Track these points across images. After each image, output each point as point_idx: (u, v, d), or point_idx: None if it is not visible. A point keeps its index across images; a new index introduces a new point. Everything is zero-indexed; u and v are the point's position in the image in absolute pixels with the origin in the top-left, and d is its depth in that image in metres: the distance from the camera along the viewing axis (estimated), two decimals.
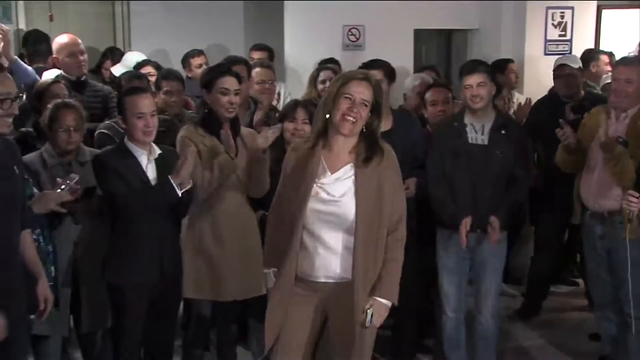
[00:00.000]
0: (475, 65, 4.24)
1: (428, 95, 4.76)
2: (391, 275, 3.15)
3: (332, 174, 3.07)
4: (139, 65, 5.83)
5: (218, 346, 4.36)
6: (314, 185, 3.05)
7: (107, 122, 4.58)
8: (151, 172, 3.71)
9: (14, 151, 3.08)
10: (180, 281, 3.87)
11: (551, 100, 5.46)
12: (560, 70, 5.37)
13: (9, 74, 2.96)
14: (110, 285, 3.75)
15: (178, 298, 3.97)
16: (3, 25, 5.25)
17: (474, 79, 4.11)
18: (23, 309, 3.11)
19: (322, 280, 3.10)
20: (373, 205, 3.06)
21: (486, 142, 4.15)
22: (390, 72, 4.36)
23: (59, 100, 4.04)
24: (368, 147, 3.09)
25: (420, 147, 4.36)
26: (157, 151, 3.78)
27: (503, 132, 4.16)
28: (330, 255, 3.08)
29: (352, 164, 3.09)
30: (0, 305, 2.90)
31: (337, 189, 3.06)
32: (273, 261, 3.16)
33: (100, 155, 3.77)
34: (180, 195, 3.58)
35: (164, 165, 3.70)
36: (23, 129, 4.47)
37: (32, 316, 3.62)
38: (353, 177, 3.07)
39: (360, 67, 4.37)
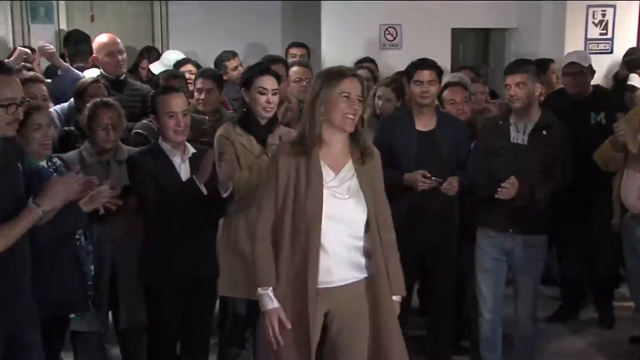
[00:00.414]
0: (516, 65, 4.17)
1: (445, 94, 4.72)
2: (398, 271, 3.18)
3: (336, 174, 3.05)
4: (179, 63, 5.85)
5: (254, 344, 4.37)
6: (324, 189, 3.00)
7: (143, 121, 4.61)
8: (184, 172, 3.72)
9: (18, 150, 3.08)
10: (216, 280, 3.87)
11: (558, 97, 5.23)
12: (569, 68, 5.12)
13: (17, 79, 2.94)
14: (145, 284, 3.77)
15: (213, 297, 3.98)
16: (48, 45, 5.34)
17: (512, 79, 4.07)
18: (31, 309, 3.09)
19: (335, 285, 3.05)
20: (373, 201, 3.06)
21: (526, 142, 4.10)
22: (440, 73, 4.34)
23: (98, 99, 4.07)
24: (360, 145, 3.09)
25: (465, 148, 4.31)
26: (191, 150, 3.79)
27: (544, 132, 4.09)
28: (342, 257, 3.04)
29: (351, 162, 3.07)
30: (7, 303, 2.90)
31: (344, 188, 3.03)
32: (269, 280, 3.03)
33: (133, 156, 3.79)
34: (205, 193, 3.57)
35: (198, 164, 3.70)
36: (66, 128, 4.54)
37: (71, 315, 3.68)
38: (356, 175, 3.06)
39: (409, 67, 4.34)
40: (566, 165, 4.15)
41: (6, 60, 4.70)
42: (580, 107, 4.95)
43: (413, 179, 4.15)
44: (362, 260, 3.07)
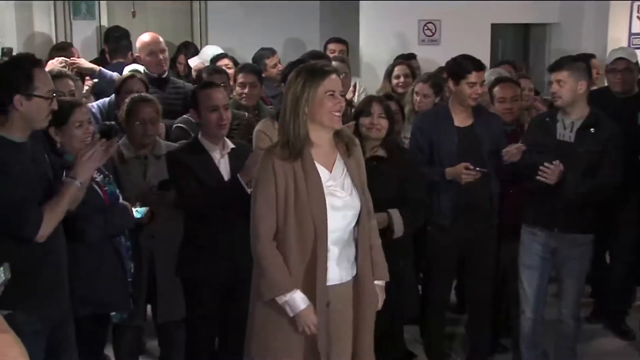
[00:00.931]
0: (559, 62, 4.07)
1: (496, 91, 4.66)
2: (381, 256, 3.15)
3: (330, 173, 2.98)
4: (216, 58, 5.87)
5: None
6: (325, 188, 2.94)
7: (184, 116, 4.62)
8: (224, 168, 3.71)
9: (45, 142, 3.18)
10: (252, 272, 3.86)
11: (600, 95, 4.93)
12: (616, 64, 4.95)
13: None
14: (184, 279, 3.78)
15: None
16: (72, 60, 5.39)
17: (554, 76, 4.00)
18: (69, 304, 3.15)
19: (337, 282, 2.99)
20: (362, 192, 3.02)
21: (572, 140, 4.02)
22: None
23: (136, 94, 4.10)
24: (344, 138, 3.04)
25: (503, 143, 4.25)
26: (230, 146, 3.77)
27: (592, 130, 4.01)
28: (339, 255, 2.98)
29: (339, 156, 3.03)
30: (53, 293, 2.98)
31: (341, 186, 2.99)
32: (290, 283, 2.91)
33: (173, 152, 3.80)
34: (249, 192, 3.55)
35: (237, 159, 3.69)
36: (107, 122, 4.58)
37: (112, 313, 3.71)
38: (346, 170, 3.01)
39: (458, 66, 4.25)
40: (613, 165, 4.03)
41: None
42: (626, 106, 4.79)
43: (457, 172, 4.10)
44: (353, 255, 3.02)
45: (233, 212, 3.60)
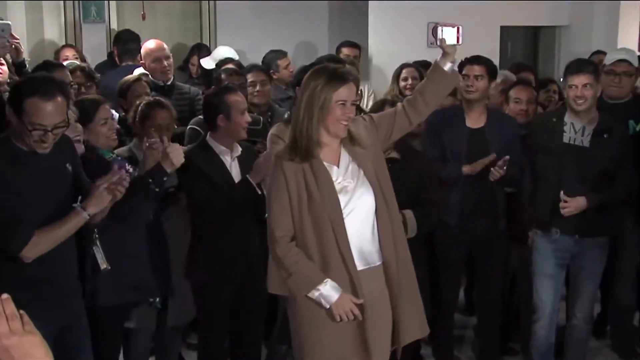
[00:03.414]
0: (582, 65, 4.02)
1: (512, 92, 4.68)
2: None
3: (338, 167, 3.04)
4: (220, 63, 5.87)
5: None
6: (335, 186, 2.99)
7: (199, 117, 4.62)
8: (235, 171, 3.75)
9: (64, 147, 3.04)
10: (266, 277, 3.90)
11: None
12: (615, 66, 4.52)
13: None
14: (195, 282, 3.80)
15: (264, 294, 4.01)
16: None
17: (579, 80, 3.94)
18: (78, 308, 3.15)
19: (361, 268, 3.02)
20: (374, 175, 3.04)
21: (586, 145, 4.01)
22: (492, 69, 4.32)
23: (152, 99, 4.13)
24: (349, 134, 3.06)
25: (516, 146, 4.26)
26: (239, 149, 3.82)
27: (606, 135, 4.00)
28: (363, 245, 3.03)
29: (342, 149, 3.06)
30: (53, 305, 2.94)
31: (350, 178, 3.03)
32: (320, 275, 2.97)
33: (186, 153, 3.84)
34: (260, 193, 3.59)
35: (246, 162, 3.72)
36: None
37: (156, 299, 3.75)
38: (351, 159, 3.05)
39: (461, 63, 4.31)
40: (629, 172, 4.04)
41: None
42: (618, 113, 4.36)
43: (475, 168, 4.12)
44: (377, 240, 3.05)
45: (244, 212, 3.64)
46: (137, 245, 3.56)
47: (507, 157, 4.01)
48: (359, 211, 3.01)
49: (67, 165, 3.02)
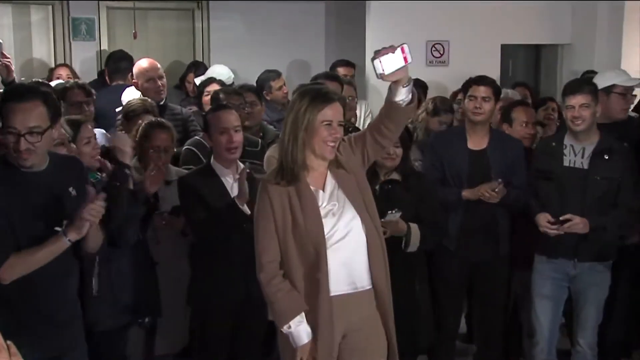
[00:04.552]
0: (579, 85, 4.07)
1: (516, 115, 4.67)
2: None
3: (323, 191, 3.04)
4: (205, 82, 5.82)
5: None
6: (320, 211, 3.00)
7: (195, 137, 4.65)
8: (237, 192, 3.72)
9: (71, 169, 3.02)
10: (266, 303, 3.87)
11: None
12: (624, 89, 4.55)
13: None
14: (194, 307, 3.80)
15: (264, 319, 3.97)
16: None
17: (576, 100, 3.98)
18: (72, 337, 3.07)
19: (346, 292, 3.03)
20: (360, 198, 3.05)
21: (585, 167, 4.03)
22: (497, 90, 4.34)
23: (153, 119, 4.13)
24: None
25: (520, 169, 4.27)
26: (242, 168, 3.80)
27: (606, 157, 4.01)
28: (351, 268, 3.02)
29: (329, 172, 3.07)
30: (42, 335, 2.88)
31: (335, 202, 3.03)
32: (293, 312, 2.98)
33: (184, 177, 3.84)
34: (249, 213, 3.56)
35: (251, 183, 3.70)
36: (106, 144, 4.58)
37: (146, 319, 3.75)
38: (335, 182, 3.05)
39: (466, 83, 4.34)
40: (631, 193, 4.05)
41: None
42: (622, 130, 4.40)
43: (475, 193, 4.11)
44: (367, 267, 3.05)
45: (239, 235, 3.62)
46: (125, 267, 3.58)
47: (500, 180, 4.02)
48: (348, 235, 3.01)
49: (71, 189, 2.97)
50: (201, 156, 4.30)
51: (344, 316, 3.02)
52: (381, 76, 2.81)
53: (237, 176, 3.74)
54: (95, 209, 2.83)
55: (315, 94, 2.99)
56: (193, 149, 4.51)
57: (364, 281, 3.05)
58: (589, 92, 4.00)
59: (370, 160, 3.15)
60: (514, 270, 4.41)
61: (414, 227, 3.82)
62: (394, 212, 3.77)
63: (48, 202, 2.87)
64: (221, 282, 3.70)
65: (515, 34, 7.24)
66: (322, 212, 3.00)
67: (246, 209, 3.58)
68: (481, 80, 4.28)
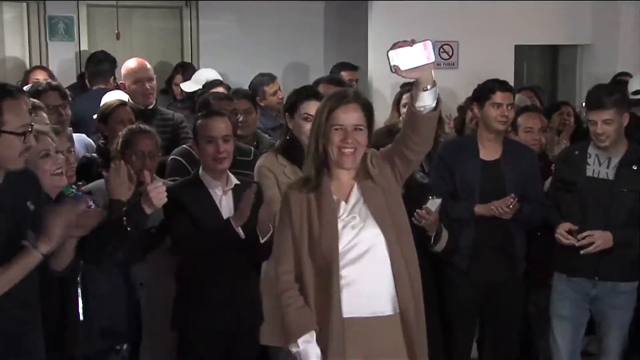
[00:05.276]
0: (601, 100, 3.99)
1: (521, 121, 4.71)
2: None
3: (346, 203, 3.07)
4: (210, 84, 5.89)
5: None
6: (338, 222, 3.03)
7: (182, 147, 4.64)
8: (226, 206, 3.74)
9: (27, 184, 2.99)
10: (258, 327, 3.86)
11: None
12: None
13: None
14: (180, 332, 3.79)
15: (256, 345, 3.98)
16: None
17: (598, 116, 3.97)
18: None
19: (365, 315, 3.03)
20: (387, 215, 3.04)
21: (611, 178, 4.04)
22: (514, 96, 4.37)
23: (135, 125, 4.14)
24: (365, 166, 3.09)
25: (535, 180, 4.29)
26: (234, 181, 3.81)
27: (635, 167, 4.02)
28: (370, 289, 3.03)
29: (356, 184, 3.09)
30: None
31: (356, 215, 3.05)
32: (302, 331, 3.02)
33: (170, 189, 3.82)
34: (244, 237, 3.59)
35: (241, 197, 3.71)
36: (88, 155, 4.60)
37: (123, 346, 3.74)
38: (361, 196, 3.06)
39: (483, 88, 4.35)
40: None
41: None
42: None
43: (488, 209, 4.13)
44: (393, 291, 3.04)
45: (230, 257, 3.64)
46: (105, 288, 3.56)
47: (513, 195, 4.05)
48: (368, 253, 3.02)
49: (29, 203, 2.95)
50: (188, 167, 4.29)
51: (360, 342, 3.01)
52: (395, 69, 2.78)
53: (227, 189, 3.75)
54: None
55: (331, 96, 3.10)
56: (179, 158, 4.49)
57: (386, 306, 3.04)
58: (612, 106, 3.96)
59: (403, 175, 3.12)
60: (531, 289, 4.41)
61: (444, 229, 3.97)
62: (433, 197, 3.80)
63: (7, 219, 2.84)
64: (209, 305, 3.69)
65: (530, 34, 7.24)
66: (340, 224, 3.02)
67: (241, 231, 3.57)
68: (505, 85, 4.30)
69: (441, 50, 7.08)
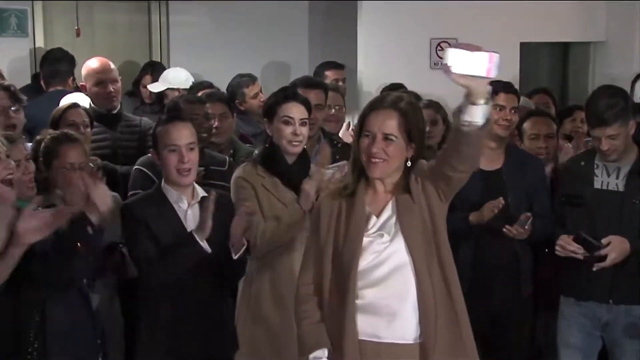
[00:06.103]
0: (603, 115, 3.93)
1: (527, 127, 4.73)
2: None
3: (377, 217, 3.10)
4: (196, 87, 5.85)
5: None
6: (364, 238, 3.07)
7: (148, 156, 4.55)
8: (192, 221, 3.69)
9: None
10: (233, 355, 3.85)
11: None
12: None
13: None
14: None
15: None
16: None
17: (602, 132, 3.96)
18: None
19: (383, 341, 3.07)
20: (420, 238, 3.04)
21: (621, 189, 4.04)
22: (519, 101, 4.37)
23: (58, 132, 4.09)
24: (406, 180, 3.10)
25: (541, 192, 4.30)
26: (201, 194, 3.77)
27: None
28: (390, 312, 3.05)
29: (393, 199, 3.11)
30: None
31: (384, 232, 3.07)
32: (314, 346, 3.13)
33: (128, 204, 3.80)
34: (209, 251, 3.57)
35: (217, 210, 3.64)
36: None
37: None
38: (395, 213, 3.08)
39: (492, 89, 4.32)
40: None
41: None
42: None
43: (482, 216, 4.13)
44: (415, 318, 3.05)
45: (196, 277, 3.60)
46: (62, 315, 3.48)
47: (529, 213, 4.06)
48: (393, 276, 3.04)
49: None
50: (155, 178, 4.25)
51: None
52: (445, 69, 2.71)
53: (193, 202, 3.72)
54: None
55: (373, 99, 3.22)
56: (144, 169, 4.47)
57: (408, 334, 3.05)
58: (615, 120, 3.92)
59: (446, 195, 3.11)
60: (537, 313, 4.41)
61: None
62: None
63: None
64: (172, 336, 3.65)
65: (538, 31, 7.29)
66: (366, 239, 3.05)
67: (206, 245, 3.54)
68: (509, 87, 4.32)
69: (438, 48, 7.08)
